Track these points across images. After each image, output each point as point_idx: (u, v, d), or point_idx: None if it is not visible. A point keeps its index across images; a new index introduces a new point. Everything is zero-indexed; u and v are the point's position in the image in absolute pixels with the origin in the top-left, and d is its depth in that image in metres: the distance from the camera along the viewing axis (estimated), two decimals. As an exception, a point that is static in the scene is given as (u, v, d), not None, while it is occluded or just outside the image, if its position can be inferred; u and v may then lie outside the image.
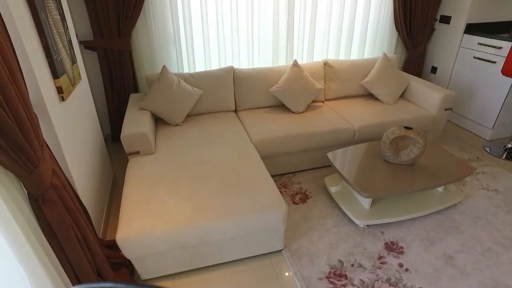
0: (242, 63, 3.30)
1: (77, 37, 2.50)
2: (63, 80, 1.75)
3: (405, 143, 2.50)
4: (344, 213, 2.31)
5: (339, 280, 1.82)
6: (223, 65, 3.24)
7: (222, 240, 1.80)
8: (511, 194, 2.50)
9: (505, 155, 3.03)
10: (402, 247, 2.03)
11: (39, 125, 1.29)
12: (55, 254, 1.38)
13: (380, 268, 1.90)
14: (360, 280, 1.83)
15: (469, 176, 2.64)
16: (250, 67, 3.31)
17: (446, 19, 3.61)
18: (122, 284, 0.40)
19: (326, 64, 3.14)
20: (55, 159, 1.45)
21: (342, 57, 3.58)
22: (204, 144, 2.40)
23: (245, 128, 2.68)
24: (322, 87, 2.98)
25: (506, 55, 3.00)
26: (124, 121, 2.38)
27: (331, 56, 3.54)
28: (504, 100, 3.09)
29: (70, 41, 2.01)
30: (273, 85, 2.92)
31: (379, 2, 3.42)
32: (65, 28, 1.95)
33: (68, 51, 1.94)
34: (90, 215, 1.93)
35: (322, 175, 2.75)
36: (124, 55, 2.88)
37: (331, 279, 1.83)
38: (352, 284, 1.80)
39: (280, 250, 2.02)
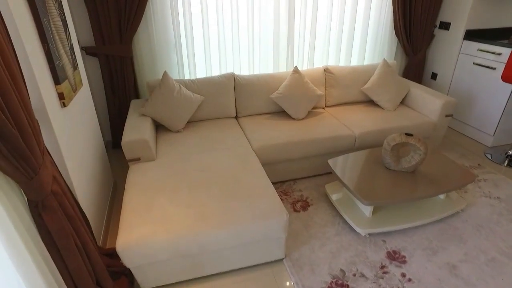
0: (243, 70, 3.31)
1: (78, 43, 2.50)
2: (64, 86, 1.74)
3: (406, 150, 2.49)
4: (346, 221, 2.29)
5: (341, 289, 1.80)
6: (224, 71, 3.24)
7: (223, 249, 1.78)
8: (513, 202, 2.49)
9: (506, 162, 3.02)
10: (404, 256, 2.01)
11: (40, 131, 1.28)
12: (54, 262, 1.36)
13: (382, 278, 1.87)
14: (363, 289, 1.81)
15: (470, 183, 2.62)
16: (251, 73, 3.31)
17: (445, 25, 3.63)
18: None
19: (326, 70, 3.15)
20: (55, 165, 1.43)
21: (342, 63, 3.60)
22: (205, 150, 2.39)
23: (245, 134, 2.67)
24: (322, 93, 2.98)
25: (505, 61, 3.01)
26: (125, 127, 2.37)
27: (331, 63, 3.55)
28: (505, 107, 3.09)
29: (71, 47, 2.01)
30: (274, 92, 2.92)
31: (378, 8, 3.45)
32: (67, 34, 1.95)
33: (70, 57, 1.94)
34: (90, 222, 1.91)
35: (323, 182, 2.73)
36: (125, 61, 2.88)
37: (333, 288, 1.81)
38: (355, 293, 1.78)
39: (281, 259, 2.00)
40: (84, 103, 2.19)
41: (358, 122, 2.84)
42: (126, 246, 1.58)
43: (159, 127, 2.76)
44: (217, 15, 2.99)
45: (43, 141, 1.30)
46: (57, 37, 1.74)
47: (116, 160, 3.10)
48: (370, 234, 2.18)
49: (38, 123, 1.27)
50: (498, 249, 2.06)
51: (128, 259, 1.62)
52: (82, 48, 2.82)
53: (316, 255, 2.01)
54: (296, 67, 2.93)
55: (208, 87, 2.80)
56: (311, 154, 2.64)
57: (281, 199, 2.53)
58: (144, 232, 1.63)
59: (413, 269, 1.92)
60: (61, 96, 1.70)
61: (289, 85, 2.87)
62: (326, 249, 2.06)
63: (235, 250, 1.82)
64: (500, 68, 3.08)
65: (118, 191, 2.68)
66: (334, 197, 2.44)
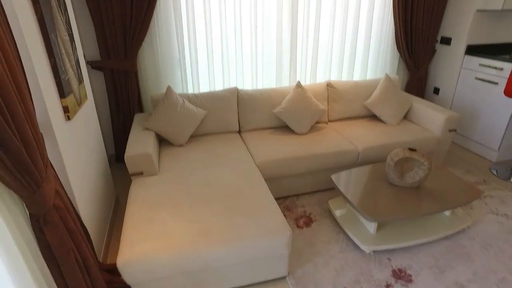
0: (246, 84, 3.33)
1: (84, 57, 2.53)
2: (69, 100, 1.76)
3: (410, 165, 2.47)
4: (350, 237, 2.25)
5: (346, 309, 1.75)
6: (227, 86, 3.26)
7: (225, 266, 1.75)
8: (520, 219, 2.45)
9: None
10: (410, 275, 1.97)
11: (44, 145, 1.28)
12: (53, 278, 1.34)
13: (388, 296, 1.83)
14: (368, 308, 1.76)
15: (476, 199, 2.59)
16: (254, 88, 3.33)
17: (446, 41, 3.67)
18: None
19: (329, 85, 3.17)
20: (58, 179, 1.42)
21: (344, 78, 3.62)
22: (208, 165, 2.38)
23: (248, 149, 2.67)
24: (325, 108, 2.99)
25: (507, 76, 3.02)
26: (128, 141, 2.37)
27: (334, 77, 3.58)
28: (508, 122, 3.08)
29: (77, 61, 2.04)
30: (277, 106, 2.93)
31: (380, 23, 3.49)
32: (74, 48, 1.98)
33: (76, 71, 1.96)
34: (91, 237, 1.88)
35: (326, 198, 2.71)
36: (130, 76, 2.91)
37: (338, 307, 1.76)
38: (360, 313, 1.73)
39: (284, 277, 1.95)
40: (88, 117, 2.20)
41: (361, 137, 2.83)
42: (127, 262, 1.56)
43: (162, 141, 2.76)
44: (220, 30, 3.03)
45: (46, 154, 1.30)
46: (63, 52, 1.76)
47: (118, 174, 3.09)
48: (374, 252, 2.14)
49: (42, 136, 1.27)
50: (508, 269, 2.01)
51: (129, 275, 1.59)
52: (87, 62, 2.85)
53: (320, 273, 1.97)
54: (299, 81, 2.95)
55: (211, 102, 2.81)
56: (314, 169, 2.63)
57: (284, 215, 2.50)
58: (145, 248, 1.61)
59: (419, 288, 1.88)
60: (66, 110, 1.71)
61: (292, 100, 2.88)
62: (330, 267, 2.02)
63: (237, 267, 1.79)
64: (503, 83, 3.09)
65: (120, 206, 2.65)
66: (337, 213, 2.41)
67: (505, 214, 2.50)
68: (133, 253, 1.58)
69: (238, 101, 2.91)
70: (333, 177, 2.41)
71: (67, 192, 1.64)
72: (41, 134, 1.27)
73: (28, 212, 1.23)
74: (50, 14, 1.62)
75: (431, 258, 2.08)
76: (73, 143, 1.79)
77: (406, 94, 3.34)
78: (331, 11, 3.25)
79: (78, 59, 2.05)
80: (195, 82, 3.17)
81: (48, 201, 1.23)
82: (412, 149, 2.17)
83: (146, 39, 2.90)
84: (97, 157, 2.28)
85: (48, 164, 1.29)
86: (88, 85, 2.27)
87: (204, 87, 3.23)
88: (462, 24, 3.46)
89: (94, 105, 2.38)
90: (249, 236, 1.70)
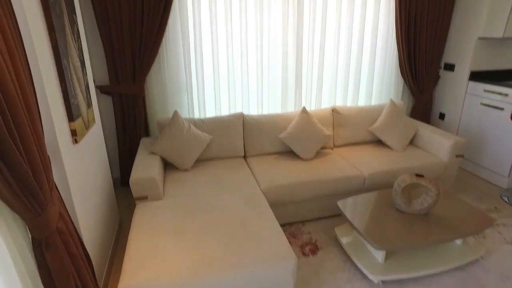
0: (252, 109, 3.37)
1: (94, 82, 2.60)
2: (78, 123, 1.78)
3: (417, 192, 2.43)
4: (357, 266, 2.18)
5: None
6: (233, 111, 3.30)
7: (229, 293, 1.69)
8: (535, 249, 2.36)
9: (523, 206, 2.92)
10: (422, 306, 1.88)
11: (50, 167, 1.29)
12: (52, 305, 1.30)
13: (399, 330, 1.74)
14: None
15: (489, 228, 2.52)
16: (260, 113, 3.36)
17: (450, 67, 3.71)
18: None
19: (334, 110, 3.19)
20: (63, 202, 1.42)
21: (349, 103, 3.65)
22: (212, 190, 2.36)
23: (254, 174, 2.66)
24: (330, 133, 2.99)
25: (513, 103, 3.03)
26: (133, 165, 2.38)
27: (339, 103, 3.61)
28: (516, 148, 3.05)
29: (87, 86, 2.08)
30: (282, 131, 2.95)
31: (384, 50, 3.56)
32: (84, 73, 2.04)
33: (85, 95, 2.00)
34: (93, 262, 1.84)
35: (333, 225, 2.65)
36: (138, 100, 2.97)
37: None
38: None
39: (290, 306, 1.88)
40: (95, 140, 2.22)
41: (367, 162, 2.81)
42: (128, 289, 1.51)
43: (168, 166, 2.76)
44: (227, 57, 3.11)
45: (52, 177, 1.30)
46: (74, 77, 1.81)
47: (123, 198, 3.07)
48: (383, 282, 2.06)
49: (49, 159, 1.28)
50: (524, 302, 1.92)
51: (129, 303, 1.54)
52: (97, 87, 2.92)
53: (327, 303, 1.90)
54: (304, 107, 2.98)
55: (217, 127, 2.84)
56: (320, 195, 2.60)
57: (289, 242, 2.44)
58: (147, 275, 1.57)
59: (432, 322, 1.79)
60: (73, 133, 1.73)
61: (297, 125, 2.90)
62: (338, 297, 1.94)
63: (241, 295, 1.73)
64: (508, 109, 3.09)
65: (124, 230, 2.62)
66: (344, 240, 2.35)
67: (519, 244, 2.42)
68: (135, 280, 1.54)
69: (243, 126, 2.94)
70: (339, 203, 2.37)
71: (70, 215, 1.63)
72: (48, 156, 1.28)
73: (30, 236, 1.22)
74: (64, 41, 1.68)
75: (443, 290, 2.00)
76: (79, 166, 1.80)
77: (411, 119, 3.35)
78: (335, 38, 3.33)
79: (88, 84, 2.10)
80: (201, 107, 3.22)
81: (52, 225, 1.22)
82: (419, 175, 2.14)
83: (154, 64, 2.98)
84: (102, 180, 2.28)
85: (53, 187, 1.29)
86: (96, 109, 2.31)
87: (210, 112, 3.27)
88: (464, 51, 3.51)
89: (101, 128, 2.41)
90: (253, 264, 1.65)
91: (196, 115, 3.24)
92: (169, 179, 2.53)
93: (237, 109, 3.32)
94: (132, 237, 1.83)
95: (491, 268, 2.18)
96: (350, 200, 2.41)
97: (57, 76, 1.59)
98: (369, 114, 3.23)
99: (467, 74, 3.51)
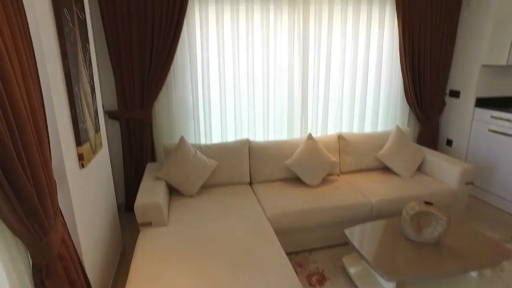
0: (258, 136, 3.38)
1: (103, 107, 2.65)
2: (85, 148, 1.80)
3: (427, 220, 2.36)
4: (367, 298, 2.09)
5: None
6: (239, 137, 3.32)
7: (233, 326, 1.62)
8: (554, 283, 2.24)
9: (538, 236, 2.82)
10: None
11: (56, 191, 1.28)
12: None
13: None
14: None
15: (506, 260, 2.42)
16: (266, 139, 3.37)
17: (455, 94, 3.73)
18: None
19: (340, 137, 3.18)
20: (66, 227, 1.40)
21: (355, 129, 3.65)
22: (218, 217, 2.33)
23: (259, 201, 2.62)
24: (336, 160, 2.98)
25: (521, 130, 3.00)
26: (139, 190, 2.37)
27: (344, 129, 3.61)
28: (528, 177, 2.99)
29: (96, 111, 2.12)
30: (288, 158, 2.94)
31: (388, 77, 3.60)
32: (94, 99, 2.08)
33: (93, 120, 2.03)
34: (93, 290, 1.80)
35: (340, 254, 2.57)
36: (145, 125, 3.01)
37: None
38: None
39: None
40: (102, 165, 2.23)
41: (374, 189, 2.76)
42: (128, 319, 1.46)
43: (173, 191, 2.75)
44: (233, 83, 3.17)
45: (57, 201, 1.30)
46: (84, 102, 1.85)
47: (127, 223, 3.04)
48: (395, 315, 1.97)
49: (55, 183, 1.28)
50: None
51: (128, 335, 1.48)
52: (105, 112, 2.97)
53: (336, 339, 1.80)
54: (310, 133, 2.98)
55: (223, 153, 2.84)
56: (327, 222, 2.54)
57: (296, 272, 2.37)
58: (148, 304, 1.52)
59: None
60: (80, 157, 1.74)
61: (303, 152, 2.89)
62: (347, 332, 1.85)
63: (245, 328, 1.65)
64: (517, 136, 3.07)
65: (127, 257, 2.57)
66: (352, 270, 2.27)
67: (537, 277, 2.30)
68: (135, 310, 1.49)
69: (249, 152, 2.94)
70: (347, 231, 2.31)
71: (73, 240, 1.60)
72: (55, 180, 1.28)
73: (31, 262, 1.19)
74: (76, 68, 1.73)
75: (458, 325, 1.89)
76: (84, 191, 1.79)
77: (418, 146, 3.32)
78: (340, 65, 3.39)
79: (96, 109, 2.14)
80: (207, 133, 3.24)
81: (54, 250, 1.20)
82: (428, 203, 2.09)
83: (162, 91, 3.04)
84: (107, 205, 2.27)
85: (57, 212, 1.29)
86: (104, 134, 2.34)
87: (216, 138, 3.29)
88: (469, 78, 3.54)
89: (108, 153, 2.43)
90: (258, 294, 1.59)
91: (202, 140, 3.27)
92: (174, 205, 2.51)
93: (243, 135, 3.34)
94: (135, 264, 1.79)
95: (509, 303, 2.07)
96: (357, 228, 2.35)
97: (68, 102, 1.63)
98: (375, 141, 3.22)
99: (473, 101, 3.52)
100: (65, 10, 1.62)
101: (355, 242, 2.17)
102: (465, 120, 3.62)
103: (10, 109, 0.97)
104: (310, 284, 2.24)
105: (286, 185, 2.86)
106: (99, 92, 2.27)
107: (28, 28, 1.18)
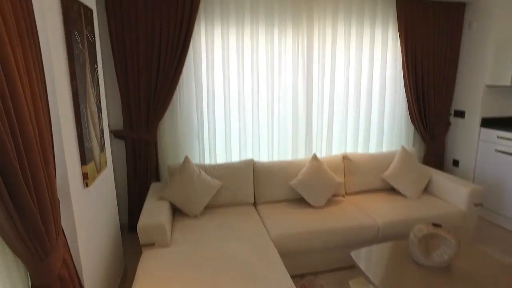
0: (262, 156, 3.38)
1: (109, 127, 2.68)
2: (90, 167, 1.80)
3: (435, 243, 2.30)
4: (375, 324, 2.01)
5: None
6: (243, 158, 3.31)
7: None
8: None
9: (551, 261, 2.72)
10: None
11: (59, 211, 1.28)
12: None
13: None
14: None
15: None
16: (270, 159, 3.37)
17: (460, 114, 3.73)
18: None
19: (345, 157, 3.17)
20: (68, 247, 1.39)
21: (360, 150, 3.63)
22: (221, 239, 2.29)
23: (263, 222, 2.59)
24: (342, 180, 2.95)
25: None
26: (142, 210, 2.36)
27: (349, 149, 3.60)
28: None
29: (102, 130, 2.15)
30: (293, 178, 2.92)
31: (392, 97, 3.61)
32: (100, 118, 2.11)
33: (99, 139, 2.05)
34: (92, 313, 1.75)
35: (347, 277, 2.50)
36: (150, 145, 3.03)
37: None
38: None
39: None
40: (106, 185, 2.23)
41: (380, 211, 2.72)
42: None
43: (176, 211, 2.72)
44: (238, 105, 3.20)
45: (60, 221, 1.29)
46: (90, 122, 1.87)
47: (129, 243, 3.00)
48: None
49: (59, 202, 1.28)
50: None
51: None
52: (111, 131, 3.00)
53: None
54: (314, 154, 2.97)
55: (227, 173, 2.83)
56: (332, 244, 2.49)
57: (301, 295, 2.30)
58: (149, 329, 1.47)
59: None
60: (85, 176, 1.74)
61: (308, 172, 2.87)
62: None
63: None
64: (525, 157, 3.03)
65: (128, 278, 2.52)
66: (360, 295, 2.20)
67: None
68: (135, 335, 1.44)
69: (254, 172, 2.92)
70: (353, 254, 2.25)
71: (74, 260, 1.58)
72: (58, 200, 1.28)
73: (30, 283, 1.17)
74: (84, 88, 1.77)
75: None
76: (88, 210, 1.79)
77: (424, 166, 3.29)
78: (344, 85, 3.43)
79: (102, 128, 2.16)
80: (212, 153, 3.25)
81: (54, 271, 1.18)
82: (436, 225, 2.05)
83: (168, 111, 3.07)
84: (110, 225, 2.25)
85: (60, 232, 1.28)
86: (109, 153, 2.35)
87: (221, 158, 3.29)
88: (474, 98, 3.55)
89: (112, 173, 2.43)
90: (262, 319, 1.54)
91: (207, 160, 3.27)
92: (178, 225, 2.48)
93: (248, 155, 3.34)
94: (137, 286, 1.75)
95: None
96: (364, 251, 2.29)
97: (74, 121, 1.65)
98: (380, 161, 3.20)
99: (478, 121, 3.51)
100: (76, 32, 1.67)
101: (362, 265, 2.11)
102: (471, 140, 3.60)
103: (18, 130, 0.99)
104: (316, 309, 2.17)
105: (291, 206, 2.82)
106: (106, 111, 2.30)
107: (40, 51, 1.22)
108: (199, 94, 3.10)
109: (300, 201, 2.93)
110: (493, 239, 3.10)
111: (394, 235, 2.60)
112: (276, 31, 3.16)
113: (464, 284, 1.93)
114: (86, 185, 1.75)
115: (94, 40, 2.04)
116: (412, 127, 3.77)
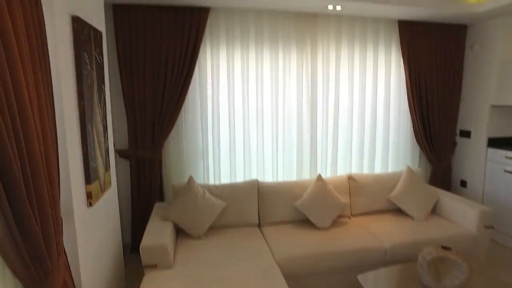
0: (267, 176, 3.36)
1: (114, 146, 2.70)
2: (94, 186, 1.80)
3: (445, 267, 2.22)
4: None
5: None
6: (248, 178, 3.30)
7: None
8: None
9: None
10: None
11: (62, 230, 1.27)
12: None
13: None
14: None
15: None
16: (275, 180, 3.35)
17: (466, 134, 3.70)
18: None
19: (350, 178, 3.14)
20: (69, 267, 1.37)
21: (366, 170, 3.60)
22: (225, 261, 2.25)
23: (268, 244, 2.54)
24: (347, 201, 2.91)
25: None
26: (145, 231, 2.33)
27: (354, 169, 3.57)
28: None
29: (107, 149, 2.16)
30: (297, 199, 2.88)
31: (397, 117, 3.61)
32: (105, 137, 2.13)
33: (104, 159, 2.06)
34: (91, 338, 1.70)
35: (354, 302, 2.42)
36: (154, 164, 3.03)
37: None
38: None
39: None
40: (109, 204, 2.22)
41: (387, 232, 2.66)
42: None
43: (180, 232, 2.69)
44: (243, 125, 3.22)
45: (62, 241, 1.28)
46: (96, 141, 1.89)
47: (132, 265, 2.95)
48: None
49: (62, 222, 1.27)
50: None
51: None
52: (116, 151, 3.02)
53: None
54: (319, 174, 2.95)
55: (232, 193, 2.81)
56: (338, 267, 2.42)
57: (307, 321, 2.22)
58: None
59: None
60: (89, 196, 1.74)
61: (313, 193, 2.84)
62: None
63: None
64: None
65: (128, 302, 2.46)
66: (368, 321, 2.11)
67: None
68: None
69: (258, 193, 2.90)
70: (360, 277, 2.19)
71: (75, 281, 1.55)
72: (61, 219, 1.27)
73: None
74: (91, 108, 1.79)
75: None
76: (90, 230, 1.77)
77: (431, 187, 3.24)
78: (349, 106, 3.44)
79: (108, 148, 2.18)
80: (216, 173, 3.24)
81: (54, 293, 1.16)
82: (446, 248, 1.99)
83: (173, 131, 3.10)
84: (112, 246, 2.22)
85: (61, 252, 1.26)
86: (114, 173, 2.36)
87: (225, 178, 3.28)
88: (479, 118, 3.53)
89: (116, 192, 2.43)
90: None
91: (211, 180, 3.25)
92: (181, 246, 2.44)
93: (252, 175, 3.32)
94: (137, 310, 1.71)
95: None
96: (371, 274, 2.22)
97: (80, 140, 1.67)
98: (386, 182, 3.16)
99: (485, 141, 3.48)
100: (85, 54, 1.72)
101: (370, 290, 2.05)
102: (479, 160, 3.56)
103: (25, 149, 1.00)
104: (322, 336, 2.08)
105: (296, 227, 2.78)
106: (111, 131, 2.32)
107: (50, 72, 1.25)
108: (204, 114, 3.13)
109: (305, 222, 2.88)
110: (506, 263, 2.99)
111: (402, 258, 2.53)
112: (280, 54, 3.22)
113: (477, 310, 1.86)
114: (90, 204, 1.75)
115: (102, 61, 2.09)
116: (417, 147, 3.74)
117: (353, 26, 3.34)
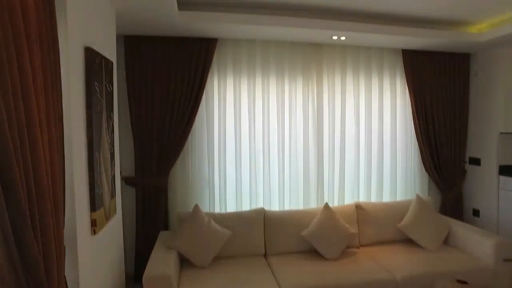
0: (273, 205, 3.31)
1: (120, 173, 2.69)
2: (99, 214, 1.79)
3: (462, 302, 2.11)
4: None
5: None
6: (254, 206, 3.24)
7: None
8: None
9: None
10: None
11: (64, 259, 1.24)
12: None
13: None
14: None
15: None
16: (281, 209, 3.29)
17: (475, 161, 3.64)
18: None
19: (358, 206, 3.07)
20: (69, 299, 1.32)
21: (374, 199, 3.51)
22: (229, 292, 2.17)
23: (274, 276, 2.45)
24: (356, 231, 2.83)
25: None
26: (149, 260, 2.28)
27: (362, 198, 3.49)
28: None
29: (113, 177, 2.16)
30: (304, 228, 2.80)
31: (404, 145, 3.59)
32: (112, 165, 2.13)
33: (110, 186, 2.06)
34: None
35: None
36: (160, 192, 3.01)
37: None
38: None
39: None
40: (114, 232, 2.19)
41: (398, 264, 2.56)
42: None
43: (184, 261, 2.62)
44: (249, 154, 3.22)
45: (64, 271, 1.24)
46: (103, 168, 1.89)
47: (133, 295, 2.85)
48: None
49: (65, 250, 1.24)
50: None
51: None
52: (122, 178, 3.01)
53: None
54: (326, 203, 2.90)
55: (237, 222, 2.76)
56: (349, 300, 2.32)
57: None
58: None
59: None
60: (93, 223, 1.72)
61: (320, 222, 2.77)
62: None
63: None
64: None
65: (128, 336, 2.36)
66: None
67: None
68: None
69: (264, 222, 2.84)
70: (372, 312, 2.08)
71: (75, 315, 1.50)
72: (64, 247, 1.25)
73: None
74: (99, 136, 1.81)
75: None
76: (93, 259, 1.73)
77: (442, 216, 3.15)
78: (355, 134, 3.44)
79: (114, 175, 2.18)
80: (222, 201, 3.20)
81: (52, 326, 1.11)
82: (462, 281, 1.90)
83: (179, 159, 3.10)
84: (115, 275, 2.16)
85: (62, 281, 1.22)
86: (119, 200, 2.34)
87: (231, 207, 3.23)
88: (488, 146, 3.49)
89: (121, 220, 2.40)
90: None
91: (217, 209, 3.21)
92: (185, 276, 2.37)
93: (259, 204, 3.26)
94: None
95: None
96: (384, 309, 2.12)
97: (87, 167, 1.67)
98: (395, 210, 3.08)
99: (495, 169, 3.41)
100: (96, 83, 1.76)
101: (382, 326, 1.94)
102: (491, 188, 3.47)
103: (33, 175, 1.00)
104: None
105: (303, 258, 2.69)
106: (118, 158, 2.33)
107: (61, 100, 1.27)
108: (210, 142, 3.15)
109: (312, 252, 2.79)
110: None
111: (415, 291, 2.41)
112: (286, 81, 3.28)
113: None
114: (94, 232, 1.72)
115: (112, 90, 2.14)
116: (426, 175, 3.68)
117: (357, 55, 3.41)
